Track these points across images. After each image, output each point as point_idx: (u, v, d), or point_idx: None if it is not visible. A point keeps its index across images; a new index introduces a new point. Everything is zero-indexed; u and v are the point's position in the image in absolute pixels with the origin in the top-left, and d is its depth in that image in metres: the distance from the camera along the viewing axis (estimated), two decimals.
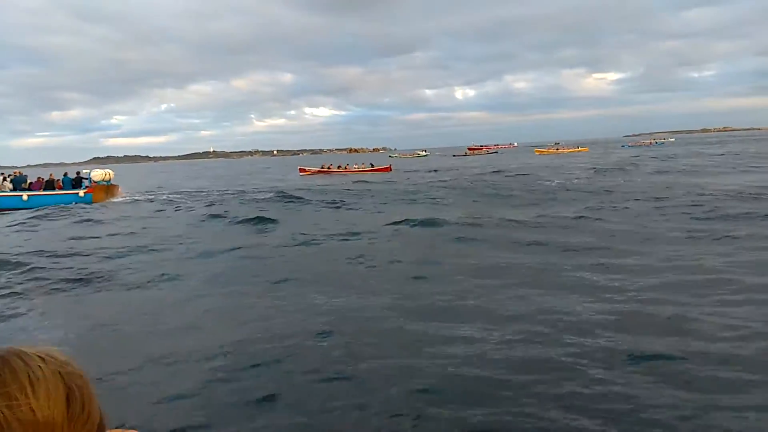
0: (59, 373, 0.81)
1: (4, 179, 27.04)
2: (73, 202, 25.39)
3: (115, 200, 27.56)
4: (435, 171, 48.50)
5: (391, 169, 54.89)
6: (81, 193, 26.62)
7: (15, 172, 28.38)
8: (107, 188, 27.95)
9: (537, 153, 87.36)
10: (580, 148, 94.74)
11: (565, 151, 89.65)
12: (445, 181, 32.81)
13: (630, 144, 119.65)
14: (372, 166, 56.55)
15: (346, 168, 55.03)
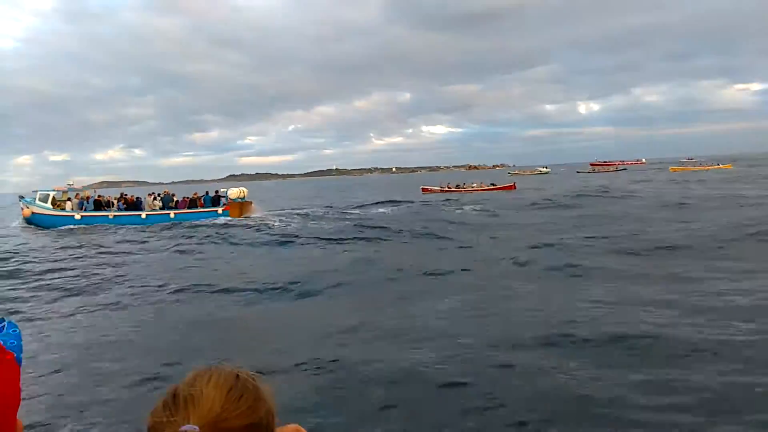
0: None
1: (155, 198, 29.74)
2: (213, 218, 27.46)
3: (249, 216, 29.12)
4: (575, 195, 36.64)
5: (515, 188, 53.08)
6: (219, 210, 28.57)
7: (165, 192, 31.08)
8: (242, 205, 29.61)
9: (672, 171, 79.98)
10: (721, 165, 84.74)
11: (705, 168, 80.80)
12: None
13: None
14: (493, 184, 55.10)
15: (464, 186, 54.13)
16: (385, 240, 19.59)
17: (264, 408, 0.94)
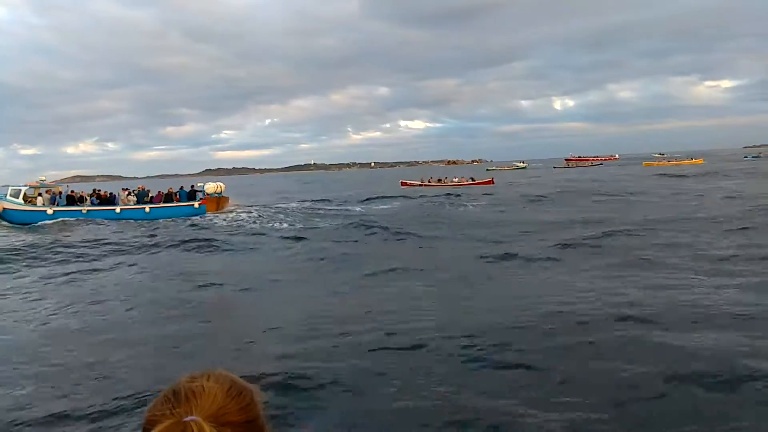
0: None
1: (129, 194, 29.44)
2: (190, 213, 27.38)
3: (224, 210, 29.09)
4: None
5: (493, 182, 53.69)
6: (196, 204, 28.40)
7: (139, 187, 30.77)
8: (219, 200, 29.50)
9: (645, 166, 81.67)
10: (693, 160, 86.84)
11: (676, 163, 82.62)
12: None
13: (754, 155, 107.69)
14: (472, 179, 55.65)
15: (445, 181, 54.56)
16: (404, 239, 19.01)
17: (258, 409, 1.00)
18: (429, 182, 54.61)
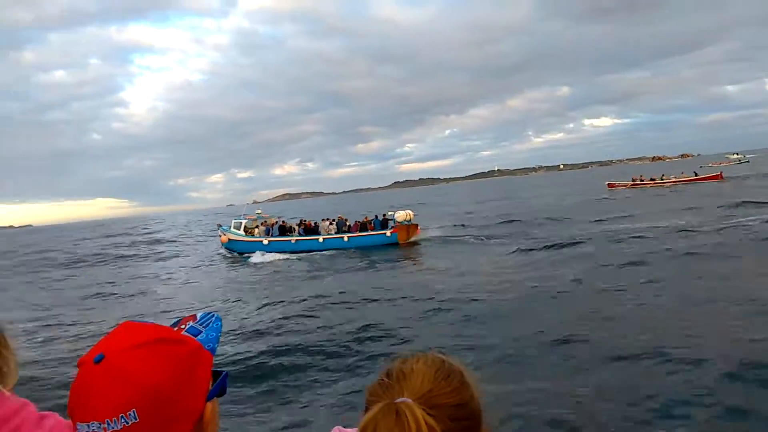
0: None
1: (330, 223, 31.87)
2: (382, 241, 29.00)
3: (415, 239, 29.80)
4: None
5: (722, 177, 47.22)
6: (388, 233, 29.57)
7: (339, 217, 33.15)
8: (409, 228, 30.30)
9: None
10: None
11: None
12: None
13: None
14: (696, 174, 49.56)
15: (664, 178, 49.46)
16: None
17: (469, 393, 0.98)
18: (641, 180, 49.83)
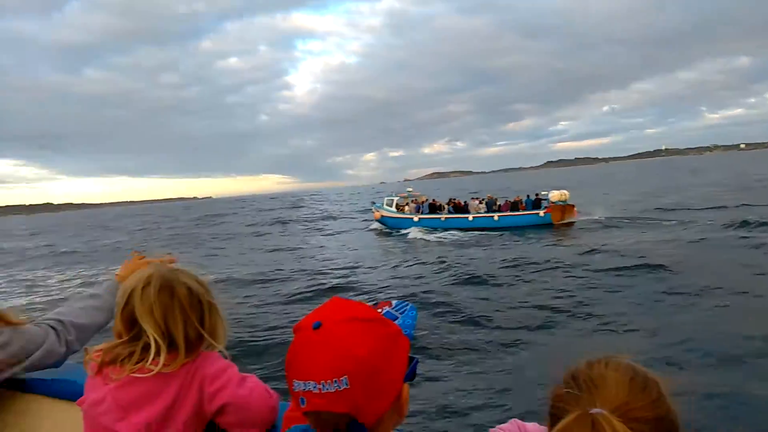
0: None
1: (479, 202, 31.57)
2: (534, 221, 27.77)
3: (571, 220, 28.26)
4: None
5: None
6: (541, 213, 28.42)
7: (488, 196, 32.65)
8: (564, 208, 28.84)
9: None
10: None
11: None
12: None
13: None
14: None
15: None
16: None
17: (667, 406, 0.91)
18: None
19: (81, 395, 1.40)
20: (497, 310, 11.58)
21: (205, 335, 1.40)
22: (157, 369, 1.33)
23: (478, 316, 11.16)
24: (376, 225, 35.56)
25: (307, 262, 22.39)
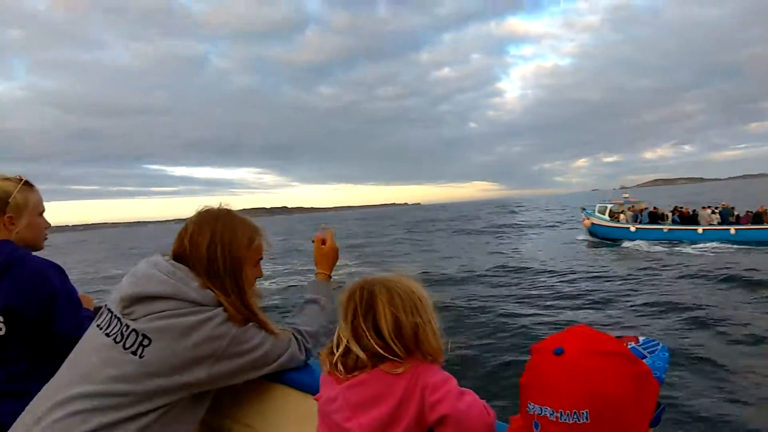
0: None
1: (712, 211, 27.63)
2: None
3: None
4: None
5: None
6: None
7: (722, 205, 28.48)
8: None
9: None
10: None
11: None
12: None
13: None
14: None
15: None
16: None
17: None
18: None
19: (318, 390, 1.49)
20: None
21: (424, 343, 1.41)
22: (386, 370, 1.36)
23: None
24: (583, 235, 33.24)
25: (532, 279, 19.98)
